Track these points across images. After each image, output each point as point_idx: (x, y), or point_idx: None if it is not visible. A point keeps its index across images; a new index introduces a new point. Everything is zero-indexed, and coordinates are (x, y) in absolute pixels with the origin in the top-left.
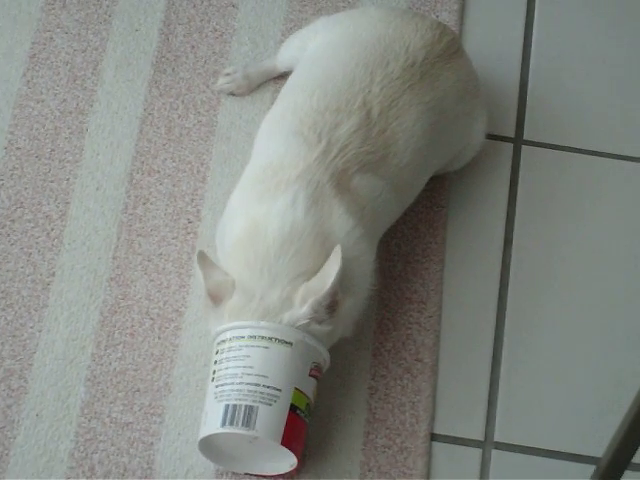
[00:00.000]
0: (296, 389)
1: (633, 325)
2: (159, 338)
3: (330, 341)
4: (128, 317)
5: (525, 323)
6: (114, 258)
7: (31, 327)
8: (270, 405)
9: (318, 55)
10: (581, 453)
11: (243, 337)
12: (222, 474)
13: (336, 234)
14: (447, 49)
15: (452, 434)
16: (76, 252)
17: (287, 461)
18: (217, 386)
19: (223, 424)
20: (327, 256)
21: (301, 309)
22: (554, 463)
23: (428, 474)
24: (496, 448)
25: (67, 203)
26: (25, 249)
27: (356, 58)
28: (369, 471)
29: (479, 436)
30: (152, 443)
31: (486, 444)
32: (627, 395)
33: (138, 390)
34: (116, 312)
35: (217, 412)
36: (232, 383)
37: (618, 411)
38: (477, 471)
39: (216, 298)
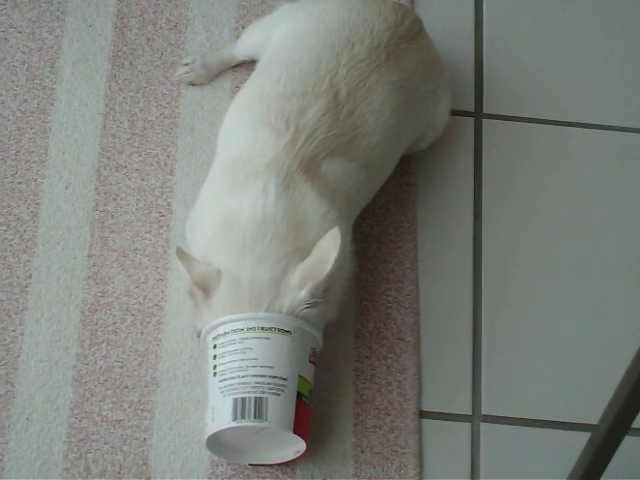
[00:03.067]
0: (300, 376)
1: (606, 290)
2: (142, 333)
3: (321, 325)
4: (109, 314)
5: (501, 294)
6: (89, 256)
7: (13, 331)
8: (278, 395)
9: (283, 42)
10: (570, 421)
11: (242, 329)
12: (217, 465)
13: (311, 218)
14: (410, 30)
15: (440, 410)
16: (51, 252)
17: (293, 448)
18: (221, 380)
19: (234, 418)
20: (305, 240)
21: (299, 294)
22: (544, 432)
23: (420, 451)
24: (484, 421)
25: (37, 204)
26: None
27: (321, 42)
28: (362, 452)
29: (467, 410)
30: (145, 439)
31: (474, 418)
32: (611, 358)
33: (126, 387)
34: (97, 310)
35: (226, 407)
36: (238, 376)
37: (603, 376)
38: (468, 445)
39: (204, 289)
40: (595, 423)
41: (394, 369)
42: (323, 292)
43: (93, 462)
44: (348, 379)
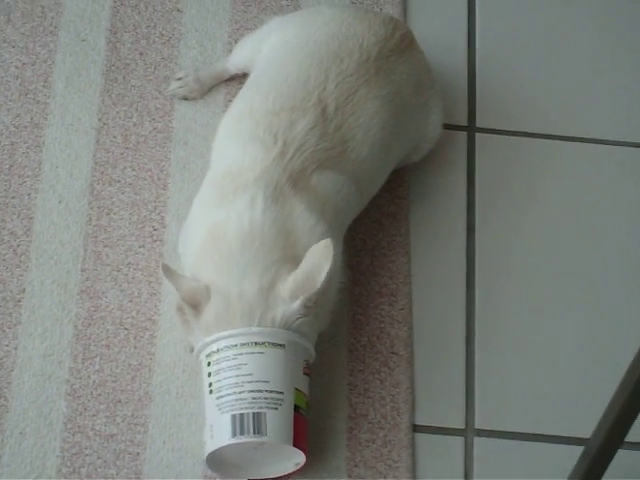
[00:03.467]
0: (296, 389)
1: (599, 303)
2: (135, 348)
3: (313, 336)
4: (102, 329)
5: (495, 308)
6: (83, 270)
7: (6, 345)
8: (276, 409)
9: (273, 56)
10: (563, 435)
11: (235, 345)
12: (210, 479)
13: (300, 229)
14: (400, 43)
15: (433, 424)
16: (44, 267)
17: (292, 461)
18: (218, 397)
19: (234, 434)
20: (294, 248)
21: (292, 306)
22: (537, 446)
23: (413, 465)
24: (478, 435)
25: (30, 218)
26: None
27: (310, 57)
28: (355, 466)
29: (460, 424)
30: (138, 453)
31: (467, 432)
32: (604, 372)
33: (119, 401)
34: (90, 325)
35: (224, 424)
36: (234, 392)
37: (596, 389)
38: (461, 459)
39: (194, 305)
40: (588, 437)
41: (388, 383)
42: (314, 304)
43: (86, 476)
44: (342, 393)
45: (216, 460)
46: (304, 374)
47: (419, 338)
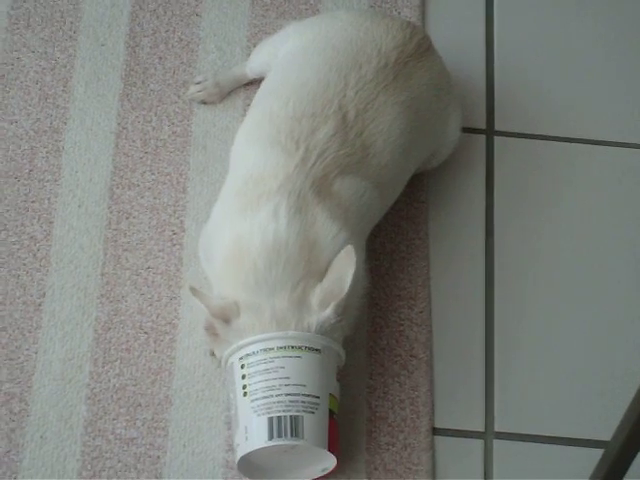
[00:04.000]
0: (330, 394)
1: (621, 306)
2: (155, 352)
3: (341, 342)
4: (122, 333)
5: (514, 310)
6: (103, 274)
7: (27, 349)
8: (313, 413)
9: (290, 61)
10: (582, 437)
11: (272, 349)
12: None
13: (322, 240)
14: (418, 48)
15: (453, 427)
16: (64, 271)
17: (320, 466)
18: (253, 400)
19: (270, 437)
20: (318, 263)
21: (324, 313)
22: (557, 449)
23: (433, 468)
24: (497, 438)
25: (50, 222)
26: (13, 271)
27: (329, 63)
28: (375, 470)
29: (480, 427)
30: (158, 457)
31: (487, 435)
32: (623, 375)
33: (139, 405)
34: (110, 328)
35: (261, 426)
36: (271, 395)
37: (615, 392)
38: (481, 462)
39: (224, 320)
40: (608, 439)
41: (407, 386)
42: (343, 309)
43: None
44: (361, 396)
45: (246, 462)
46: (337, 380)
47: (438, 341)
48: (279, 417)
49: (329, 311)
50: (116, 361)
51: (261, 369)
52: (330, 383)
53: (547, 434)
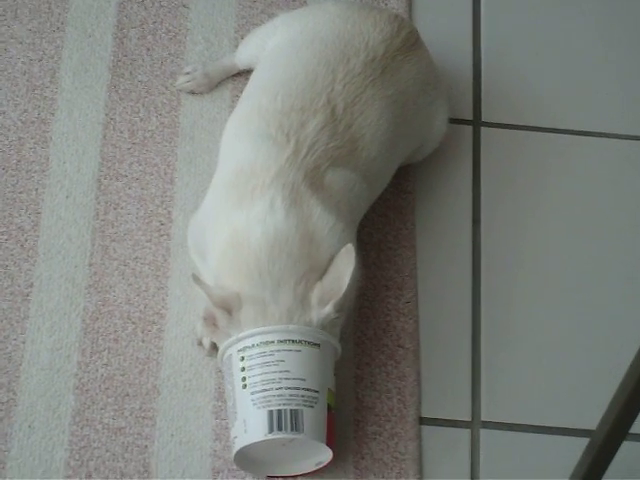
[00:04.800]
0: (328, 389)
1: (606, 295)
2: (143, 342)
3: (338, 337)
4: (110, 323)
5: (500, 300)
6: (90, 265)
7: (14, 339)
8: (312, 407)
9: (279, 54)
10: (569, 426)
11: (272, 342)
12: (218, 472)
13: (319, 232)
14: (406, 41)
15: (440, 417)
16: (52, 261)
17: (315, 459)
18: (253, 393)
19: (270, 430)
20: (317, 256)
21: (325, 309)
22: (543, 438)
23: (420, 457)
24: (484, 427)
25: (38, 213)
26: (0, 262)
27: (317, 56)
28: (362, 459)
29: (467, 417)
30: (146, 446)
31: (474, 424)
32: (609, 364)
33: (127, 395)
34: (98, 319)
35: (260, 419)
36: (271, 389)
37: (601, 381)
38: (468, 451)
39: (227, 311)
40: (594, 428)
41: (394, 376)
42: (341, 306)
43: (94, 470)
44: (348, 386)
45: (243, 455)
46: (334, 374)
47: (425, 331)
48: (279, 410)
49: (329, 308)
50: (104, 351)
51: (261, 362)
52: (328, 378)
53: (534, 423)
